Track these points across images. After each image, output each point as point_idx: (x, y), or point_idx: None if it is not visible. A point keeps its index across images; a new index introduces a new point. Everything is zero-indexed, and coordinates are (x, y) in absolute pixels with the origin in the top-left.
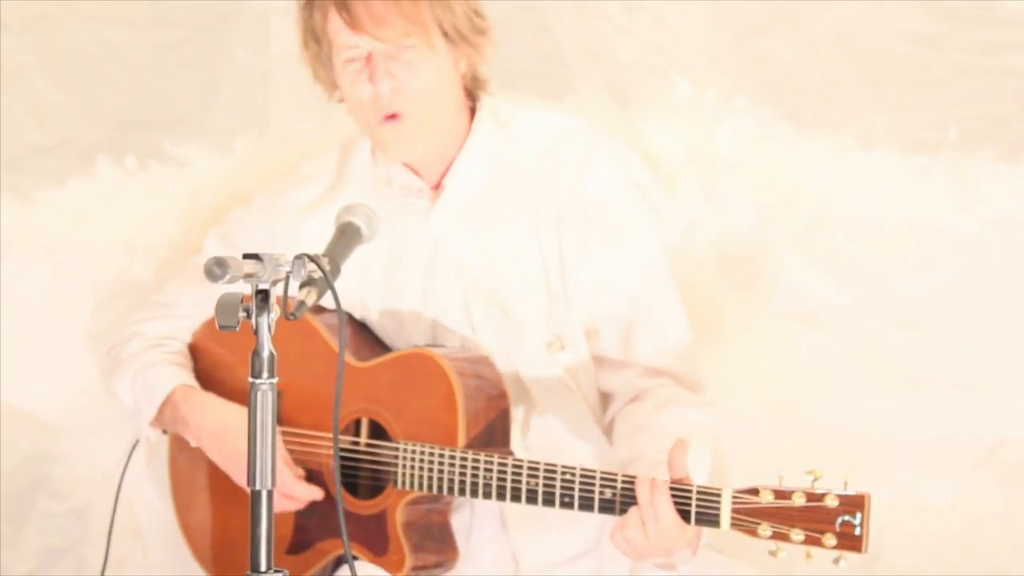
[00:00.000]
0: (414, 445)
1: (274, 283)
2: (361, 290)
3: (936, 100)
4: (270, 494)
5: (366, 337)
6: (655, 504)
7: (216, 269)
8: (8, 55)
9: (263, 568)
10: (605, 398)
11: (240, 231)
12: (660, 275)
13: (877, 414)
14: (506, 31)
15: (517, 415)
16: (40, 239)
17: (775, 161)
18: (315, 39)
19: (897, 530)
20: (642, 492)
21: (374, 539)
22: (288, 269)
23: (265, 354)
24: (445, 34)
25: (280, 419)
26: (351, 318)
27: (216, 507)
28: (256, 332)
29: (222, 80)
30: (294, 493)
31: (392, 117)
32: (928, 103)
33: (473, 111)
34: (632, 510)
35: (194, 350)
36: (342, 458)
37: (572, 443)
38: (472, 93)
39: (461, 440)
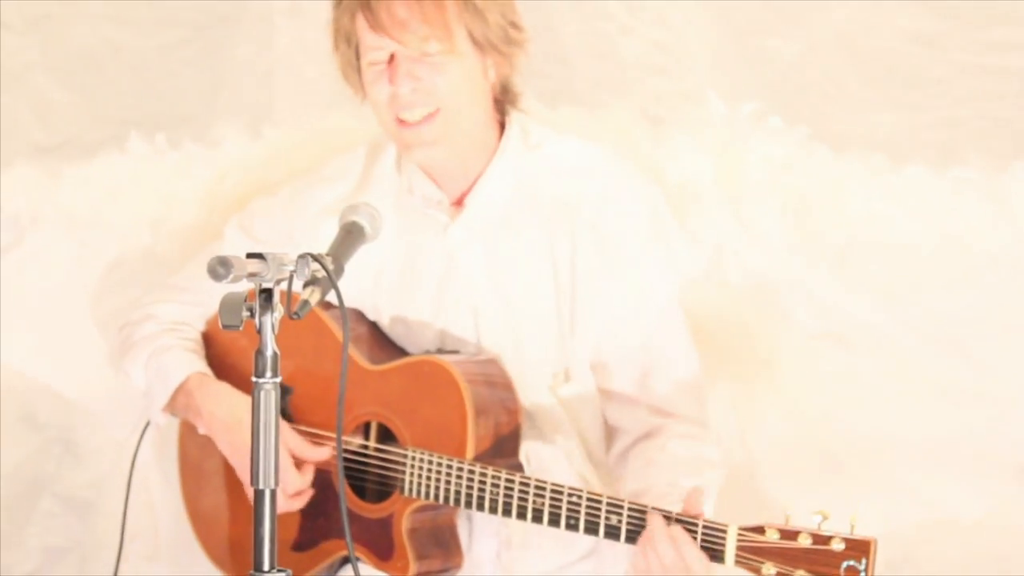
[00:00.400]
0: (423, 453)
1: (278, 282)
2: (374, 295)
3: (939, 99)
4: (273, 493)
5: (380, 339)
6: (684, 557)
7: (220, 269)
8: (11, 54)
9: (266, 568)
10: (612, 431)
11: (260, 223)
12: (674, 316)
13: (908, 429)
14: None
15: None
16: (65, 214)
17: (804, 180)
18: (345, 41)
19: (925, 543)
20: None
21: (379, 543)
22: (292, 268)
23: (268, 353)
24: (475, 41)
25: (290, 416)
26: (366, 319)
27: (224, 498)
28: (259, 331)
29: (225, 79)
30: (288, 488)
31: (425, 119)
32: (932, 103)
33: (503, 126)
34: (652, 558)
35: (206, 337)
36: (350, 460)
37: (563, 478)
38: (502, 106)
39: (470, 452)
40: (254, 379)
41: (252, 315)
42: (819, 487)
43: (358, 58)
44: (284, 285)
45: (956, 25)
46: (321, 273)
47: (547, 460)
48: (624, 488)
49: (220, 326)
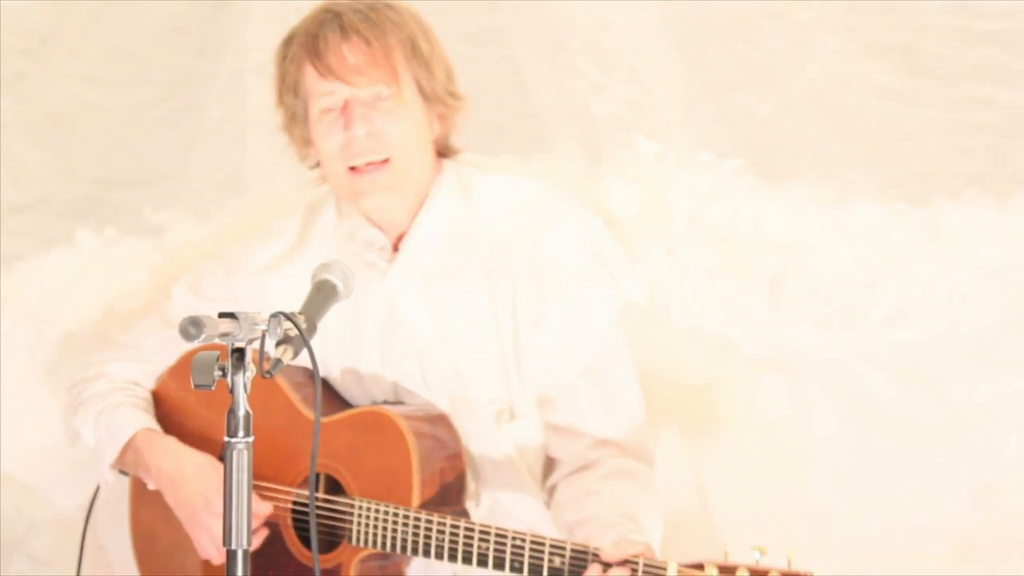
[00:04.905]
0: (369, 503)
1: (249, 341)
2: (322, 347)
3: (910, 155)
4: (246, 553)
5: (327, 392)
6: None
7: (191, 329)
8: None
9: None
10: (550, 462)
11: (206, 282)
12: (616, 346)
13: (858, 472)
14: (481, 88)
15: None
16: (23, 306)
17: (748, 213)
18: (292, 92)
19: None
20: None
21: None
22: (264, 327)
23: (241, 413)
24: (422, 91)
25: None
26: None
27: (177, 558)
28: (232, 391)
29: (198, 138)
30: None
31: (378, 164)
32: (902, 158)
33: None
34: None
35: (156, 396)
36: (297, 511)
37: (520, 518)
38: (444, 156)
39: (416, 500)
40: (226, 439)
41: (224, 375)
42: (771, 531)
43: (306, 109)
44: (256, 344)
45: (926, 82)
46: (293, 332)
47: (504, 504)
48: (561, 518)
49: (192, 386)
